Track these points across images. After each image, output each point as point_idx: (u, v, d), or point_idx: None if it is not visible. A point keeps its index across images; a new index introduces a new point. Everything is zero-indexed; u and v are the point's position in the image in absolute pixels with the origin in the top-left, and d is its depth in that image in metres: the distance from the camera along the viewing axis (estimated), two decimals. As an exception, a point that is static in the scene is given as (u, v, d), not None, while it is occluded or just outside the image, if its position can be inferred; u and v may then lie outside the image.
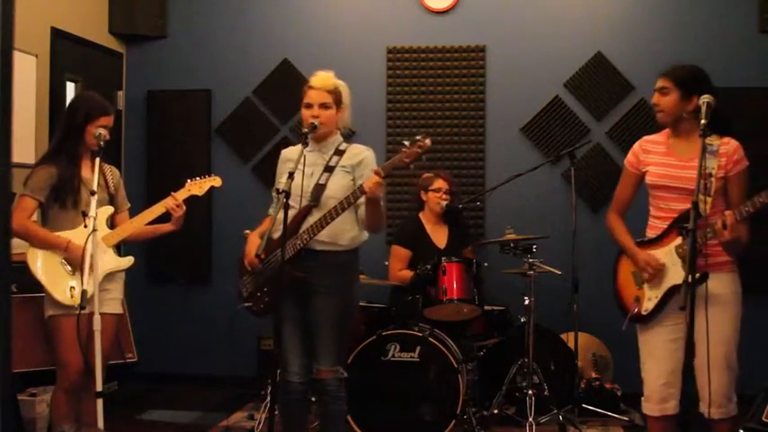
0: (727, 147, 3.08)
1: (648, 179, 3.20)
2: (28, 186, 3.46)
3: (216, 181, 3.76)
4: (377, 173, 3.23)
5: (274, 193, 3.67)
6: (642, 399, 3.22)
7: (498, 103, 5.38)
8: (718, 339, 3.01)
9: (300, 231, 3.38)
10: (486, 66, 5.39)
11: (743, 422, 3.54)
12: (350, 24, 5.51)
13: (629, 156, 3.30)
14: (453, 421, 4.11)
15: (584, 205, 5.26)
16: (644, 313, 3.17)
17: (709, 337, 2.95)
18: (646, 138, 3.30)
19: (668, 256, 3.11)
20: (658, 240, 3.16)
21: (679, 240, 3.08)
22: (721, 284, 3.05)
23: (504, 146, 5.36)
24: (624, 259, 3.33)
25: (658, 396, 3.13)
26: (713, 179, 3.02)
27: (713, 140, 3.05)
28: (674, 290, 3.07)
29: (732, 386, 3.07)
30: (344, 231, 3.43)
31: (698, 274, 2.92)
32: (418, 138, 3.25)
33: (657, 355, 3.13)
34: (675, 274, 3.07)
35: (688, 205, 2.97)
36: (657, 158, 3.19)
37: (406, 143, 3.27)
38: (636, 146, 3.29)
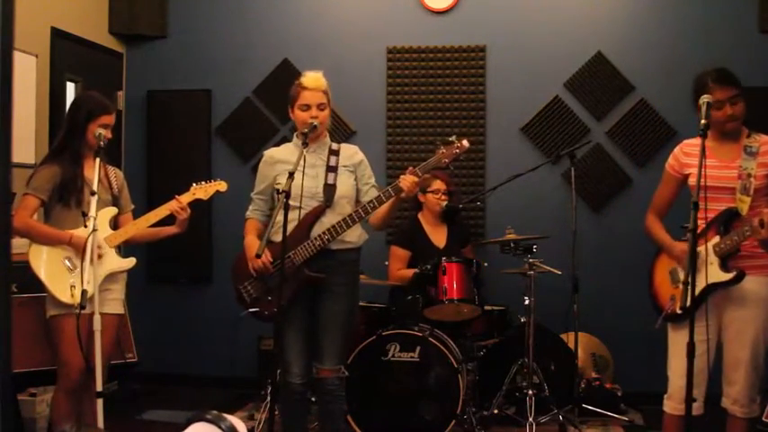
0: None
1: (692, 181, 3.22)
2: (31, 185, 3.47)
3: (221, 186, 3.75)
4: (413, 173, 3.26)
5: (255, 196, 3.66)
6: (665, 396, 3.25)
7: (498, 103, 5.37)
8: (748, 340, 3.04)
9: (316, 232, 3.38)
10: (486, 66, 5.38)
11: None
12: (350, 24, 5.51)
13: (671, 160, 3.35)
14: (453, 421, 4.11)
15: (585, 205, 5.26)
16: (679, 311, 3.18)
17: (738, 337, 2.98)
18: (686, 142, 3.35)
19: (704, 254, 3.12)
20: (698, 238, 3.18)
21: (717, 239, 3.10)
22: (757, 287, 3.08)
23: (504, 146, 5.36)
24: (661, 259, 3.37)
25: (680, 395, 3.13)
26: (752, 179, 3.06)
27: (752, 141, 3.10)
28: (710, 288, 3.07)
29: (757, 387, 3.11)
30: (354, 228, 3.45)
31: (734, 273, 2.97)
32: (453, 139, 3.30)
33: (684, 354, 3.13)
34: (712, 272, 3.08)
35: (728, 204, 3.03)
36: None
37: (442, 144, 3.31)
38: (677, 150, 3.34)
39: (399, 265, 4.74)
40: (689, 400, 2.82)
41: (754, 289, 3.06)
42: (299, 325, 3.46)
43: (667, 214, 3.42)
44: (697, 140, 3.29)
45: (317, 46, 5.48)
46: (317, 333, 3.46)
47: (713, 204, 3.13)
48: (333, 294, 3.44)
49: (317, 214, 3.41)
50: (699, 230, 3.19)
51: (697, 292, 3.11)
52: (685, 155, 3.29)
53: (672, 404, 3.20)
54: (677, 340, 3.20)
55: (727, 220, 3.09)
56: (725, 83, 3.12)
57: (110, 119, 3.55)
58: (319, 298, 3.44)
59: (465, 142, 3.32)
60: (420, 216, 4.84)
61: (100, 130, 3.46)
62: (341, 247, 3.44)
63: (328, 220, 3.39)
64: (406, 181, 3.26)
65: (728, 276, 3.03)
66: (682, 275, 3.23)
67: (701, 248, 3.15)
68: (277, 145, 5.31)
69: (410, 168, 3.33)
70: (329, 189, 3.43)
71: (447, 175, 4.86)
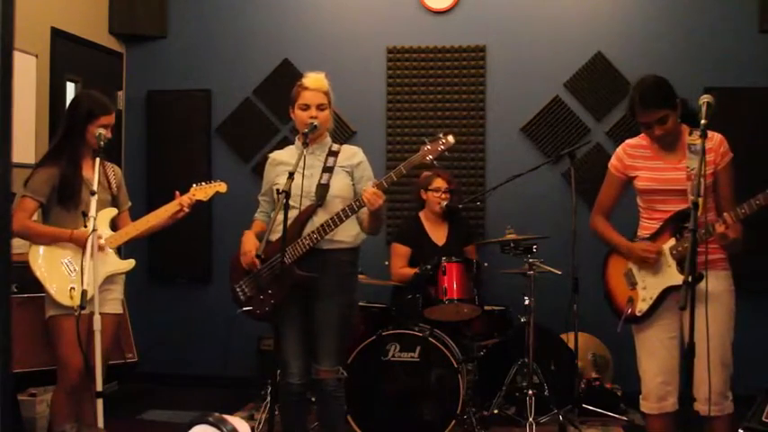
0: (712, 142, 3.08)
1: (639, 184, 3.21)
2: (28, 187, 3.46)
3: (221, 187, 3.74)
4: (378, 185, 3.24)
5: (261, 198, 3.66)
6: (640, 397, 3.23)
7: (498, 103, 5.37)
8: (714, 337, 3.02)
9: (307, 231, 3.38)
10: (486, 66, 5.38)
11: (743, 422, 3.54)
12: (350, 24, 5.51)
13: (614, 161, 3.31)
14: (453, 421, 4.11)
15: (584, 205, 5.24)
16: (638, 314, 3.17)
17: (703, 335, 2.96)
18: (628, 142, 3.31)
19: (662, 257, 3.12)
20: (651, 240, 3.18)
21: (673, 242, 3.10)
22: (715, 282, 3.06)
23: (504, 146, 5.36)
24: (613, 261, 3.34)
25: (656, 394, 3.14)
26: (702, 179, 3.03)
27: (695, 139, 3.02)
28: (669, 291, 3.08)
29: (728, 384, 3.09)
30: (348, 229, 3.45)
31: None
32: (440, 135, 3.29)
33: (655, 353, 3.15)
34: (671, 275, 3.08)
35: (680, 206, 3.03)
36: (645, 163, 3.20)
37: (427, 140, 3.30)
38: (620, 151, 3.30)
39: (401, 263, 4.74)
40: (688, 398, 2.82)
41: (711, 285, 3.02)
42: (296, 325, 3.46)
43: (612, 215, 3.39)
44: (639, 141, 3.27)
45: (316, 46, 5.48)
46: (313, 334, 3.46)
47: (663, 206, 3.12)
48: (325, 295, 3.43)
49: (308, 214, 3.41)
50: (651, 233, 3.19)
51: (656, 294, 3.13)
52: (630, 156, 3.25)
53: (648, 404, 3.19)
54: (644, 341, 3.20)
55: (682, 222, 3.05)
56: (650, 107, 3.05)
57: (110, 119, 3.53)
58: (313, 298, 3.44)
59: (450, 138, 3.29)
60: (421, 214, 4.85)
61: (100, 131, 3.45)
62: (332, 246, 3.42)
63: (320, 219, 3.38)
64: (366, 193, 3.23)
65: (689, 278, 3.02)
66: (638, 278, 3.22)
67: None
68: (277, 145, 5.35)
69: (374, 181, 3.32)
70: (322, 189, 3.43)
71: (448, 174, 4.87)
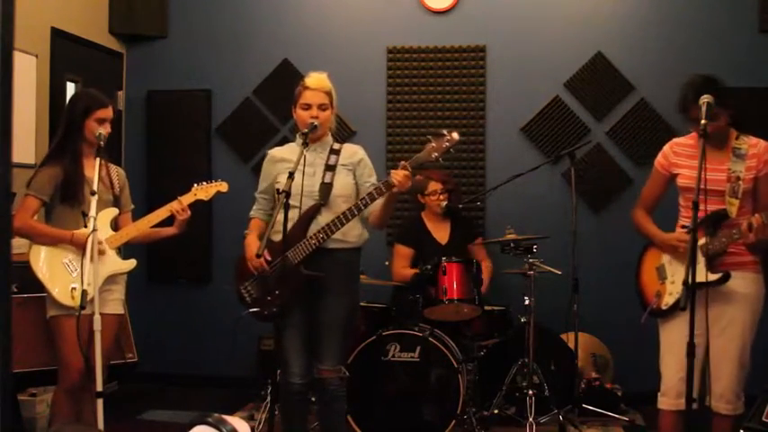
0: (756, 148, 3.15)
1: (680, 182, 3.26)
2: (32, 186, 3.47)
3: (222, 186, 3.76)
4: (404, 166, 3.22)
5: (259, 195, 3.65)
6: (659, 393, 3.25)
7: (498, 103, 5.37)
8: (734, 336, 3.05)
9: (312, 231, 3.37)
10: (486, 66, 5.38)
11: (743, 422, 3.54)
12: (350, 24, 5.51)
13: (660, 158, 3.36)
14: (453, 421, 4.11)
15: (585, 205, 5.26)
16: (664, 308, 3.21)
17: (725, 333, 2.99)
18: (676, 140, 3.36)
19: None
20: None
21: (705, 239, 3.12)
22: (743, 283, 3.10)
23: (504, 146, 5.36)
24: (648, 255, 3.39)
25: (676, 391, 3.15)
26: (741, 182, 3.08)
27: (741, 144, 3.11)
28: (697, 287, 3.08)
29: (742, 384, 3.13)
30: (352, 228, 3.45)
31: (721, 275, 2.99)
32: (445, 132, 3.27)
33: (677, 349, 3.14)
34: (699, 272, 3.08)
35: (717, 206, 3.05)
36: (689, 161, 3.24)
37: (431, 138, 3.28)
38: (666, 148, 3.35)
39: (403, 263, 4.75)
40: (689, 398, 2.82)
41: (739, 286, 3.08)
42: (299, 325, 3.46)
43: (655, 211, 3.44)
44: (686, 140, 3.31)
45: (317, 46, 5.48)
46: (316, 333, 3.46)
47: (701, 205, 3.14)
48: (331, 294, 3.43)
49: (312, 213, 3.40)
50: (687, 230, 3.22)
51: (681, 290, 3.14)
52: (675, 154, 3.30)
53: (667, 400, 3.20)
54: (668, 336, 3.23)
55: (716, 222, 3.10)
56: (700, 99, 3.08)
57: (106, 113, 3.53)
58: (318, 298, 3.43)
59: (455, 135, 3.25)
60: (423, 214, 4.86)
61: (100, 130, 3.45)
62: (338, 246, 3.42)
63: (324, 218, 3.38)
64: (398, 175, 3.18)
65: (715, 277, 3.06)
66: (668, 272, 3.26)
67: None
68: (277, 145, 5.34)
69: (402, 162, 3.26)
70: (325, 188, 3.43)
71: (443, 174, 4.87)
